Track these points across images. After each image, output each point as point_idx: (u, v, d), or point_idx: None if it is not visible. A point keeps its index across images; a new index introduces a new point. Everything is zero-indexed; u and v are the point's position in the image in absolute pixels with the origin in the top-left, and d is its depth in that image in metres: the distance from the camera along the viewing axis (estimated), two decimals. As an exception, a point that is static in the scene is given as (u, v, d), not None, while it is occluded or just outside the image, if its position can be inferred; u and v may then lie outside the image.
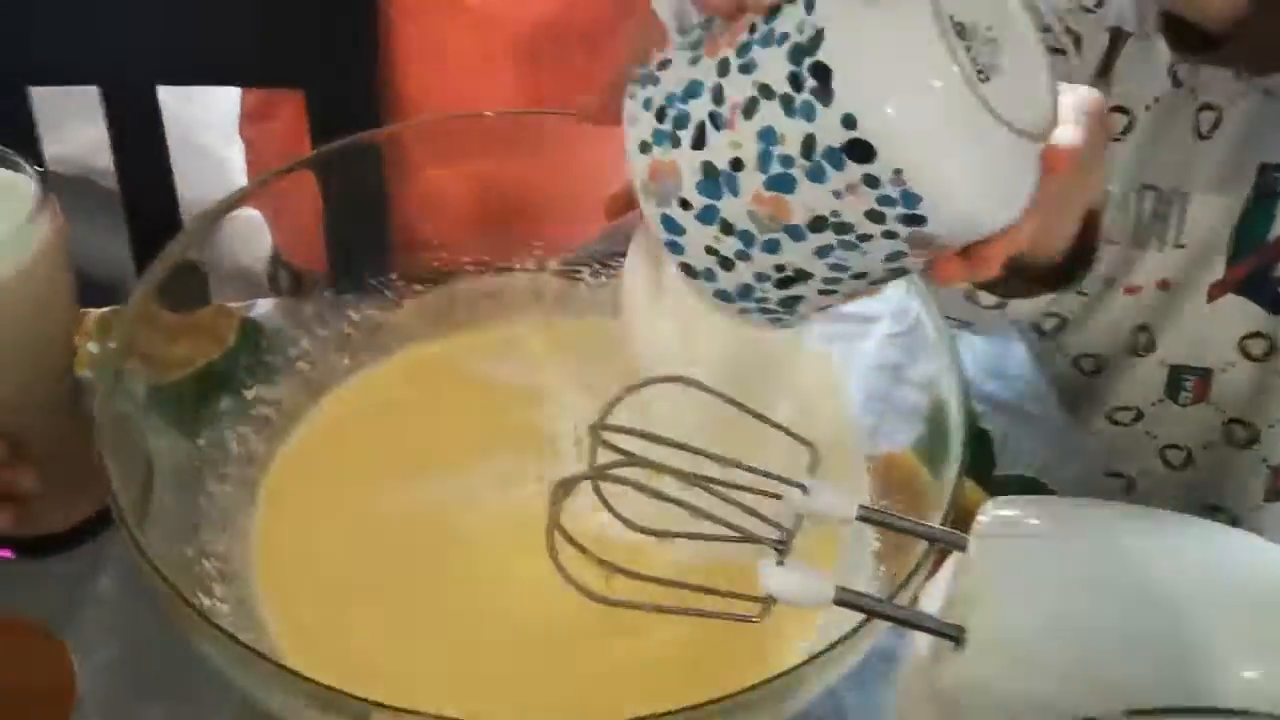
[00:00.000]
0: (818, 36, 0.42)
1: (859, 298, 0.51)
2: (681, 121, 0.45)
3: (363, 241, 0.71)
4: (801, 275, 0.47)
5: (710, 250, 0.47)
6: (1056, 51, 0.74)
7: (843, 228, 0.44)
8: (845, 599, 0.45)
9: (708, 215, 0.46)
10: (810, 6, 0.43)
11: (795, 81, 0.42)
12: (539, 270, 0.73)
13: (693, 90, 0.45)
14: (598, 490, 0.49)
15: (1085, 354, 0.82)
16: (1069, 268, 0.65)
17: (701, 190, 0.45)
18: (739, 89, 0.44)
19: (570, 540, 0.47)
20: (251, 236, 1.10)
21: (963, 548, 0.45)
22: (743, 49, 0.44)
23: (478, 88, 0.83)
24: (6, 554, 0.63)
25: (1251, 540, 0.46)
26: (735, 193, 0.45)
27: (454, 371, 0.69)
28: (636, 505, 0.51)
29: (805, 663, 0.46)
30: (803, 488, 0.48)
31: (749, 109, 0.44)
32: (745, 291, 0.48)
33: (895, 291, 0.64)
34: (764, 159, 0.44)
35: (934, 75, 0.42)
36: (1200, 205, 0.74)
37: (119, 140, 0.88)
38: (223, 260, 0.75)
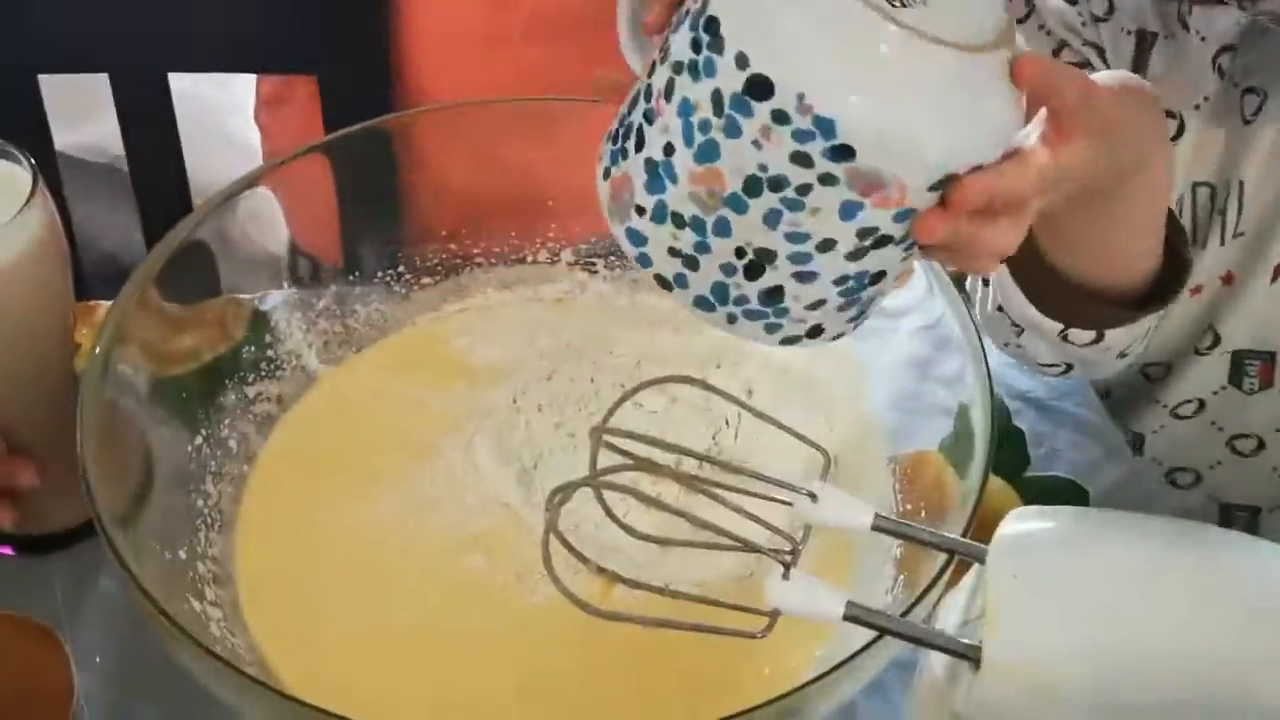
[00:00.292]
0: None
1: (862, 304, 0.48)
2: (627, 133, 0.47)
3: (374, 229, 0.70)
4: (765, 257, 0.45)
5: (673, 252, 0.46)
6: (1082, 65, 0.71)
7: (777, 183, 0.43)
8: (856, 615, 0.43)
9: (659, 213, 0.46)
10: None
11: (695, 45, 0.44)
12: (552, 262, 0.71)
13: (633, 100, 0.47)
14: (599, 496, 0.47)
15: (1153, 362, 0.79)
16: (1162, 286, 0.62)
17: (649, 189, 0.46)
18: (660, 77, 0.45)
19: (568, 547, 0.44)
20: (264, 227, 1.08)
21: (982, 560, 0.43)
22: (662, 46, 0.46)
23: (490, 73, 0.81)
24: (6, 551, 0.63)
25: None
26: (674, 179, 0.45)
27: (446, 358, 0.67)
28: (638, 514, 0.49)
29: (811, 682, 0.44)
30: (812, 496, 0.46)
31: (668, 90, 0.45)
32: (721, 292, 0.47)
33: (920, 285, 0.62)
34: (687, 133, 0.44)
35: None
36: (1255, 189, 0.71)
37: (130, 128, 0.87)
38: (235, 251, 0.74)
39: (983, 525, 0.50)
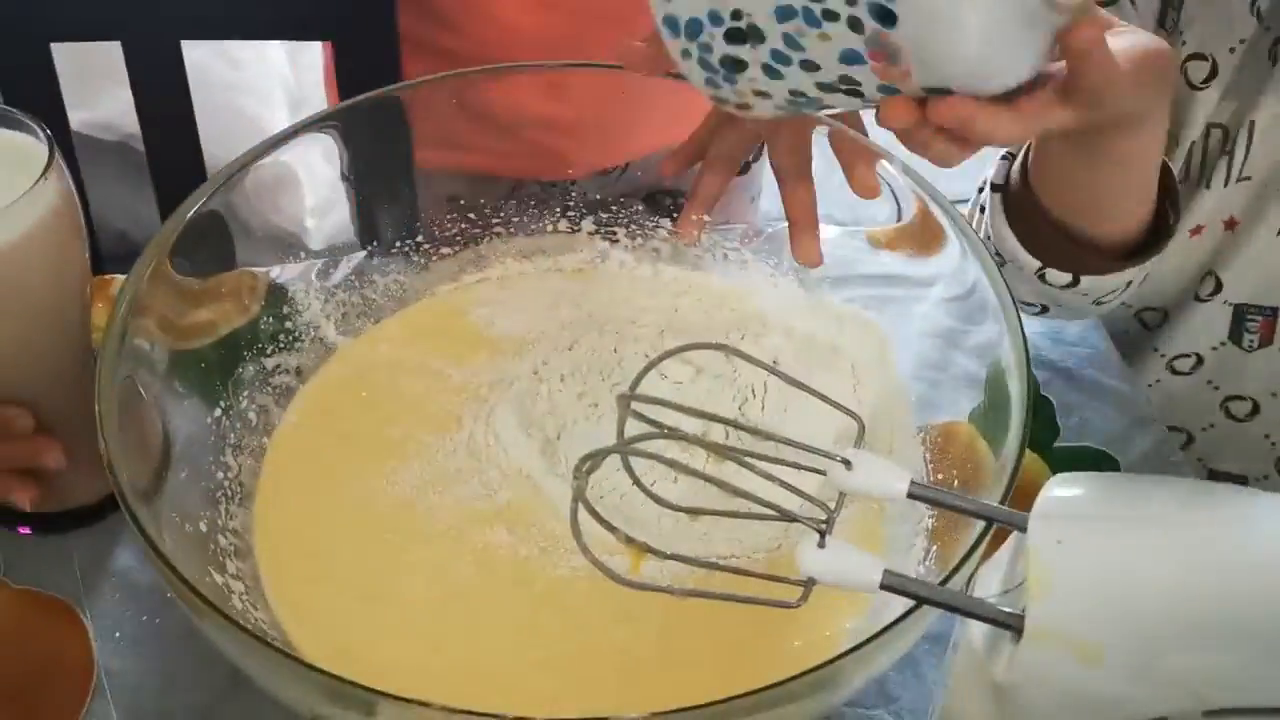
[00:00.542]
0: None
1: (797, 109, 0.49)
2: None
3: (390, 199, 0.69)
4: (754, 33, 0.46)
5: None
6: (1110, 2, 0.70)
7: None
8: (893, 583, 0.41)
9: None
10: None
11: None
12: (573, 232, 0.70)
13: None
14: (626, 464, 0.46)
15: (1149, 307, 0.78)
16: (1147, 240, 0.62)
17: None
18: None
19: (596, 516, 0.43)
20: (282, 199, 1.08)
21: (1022, 529, 0.41)
22: None
23: (505, 39, 0.79)
24: (25, 531, 0.62)
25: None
26: None
27: (466, 329, 0.66)
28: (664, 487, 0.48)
29: (847, 653, 0.43)
30: (846, 463, 0.44)
31: None
32: (693, 28, 0.47)
33: (952, 254, 0.61)
34: None
35: None
36: (1264, 134, 0.70)
37: (143, 99, 0.86)
38: (251, 223, 0.73)
39: (1015, 499, 0.49)
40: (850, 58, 0.44)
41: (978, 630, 0.43)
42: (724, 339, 0.64)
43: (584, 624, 0.53)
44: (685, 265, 0.70)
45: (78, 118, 1.04)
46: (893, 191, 0.64)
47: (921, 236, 0.64)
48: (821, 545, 0.42)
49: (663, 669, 0.51)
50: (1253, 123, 0.70)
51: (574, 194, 0.70)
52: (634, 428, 0.46)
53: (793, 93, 0.48)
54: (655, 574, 0.51)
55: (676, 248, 0.70)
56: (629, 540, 0.44)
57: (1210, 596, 0.38)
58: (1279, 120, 0.70)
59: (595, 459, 0.45)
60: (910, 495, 0.45)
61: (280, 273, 0.66)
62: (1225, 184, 0.72)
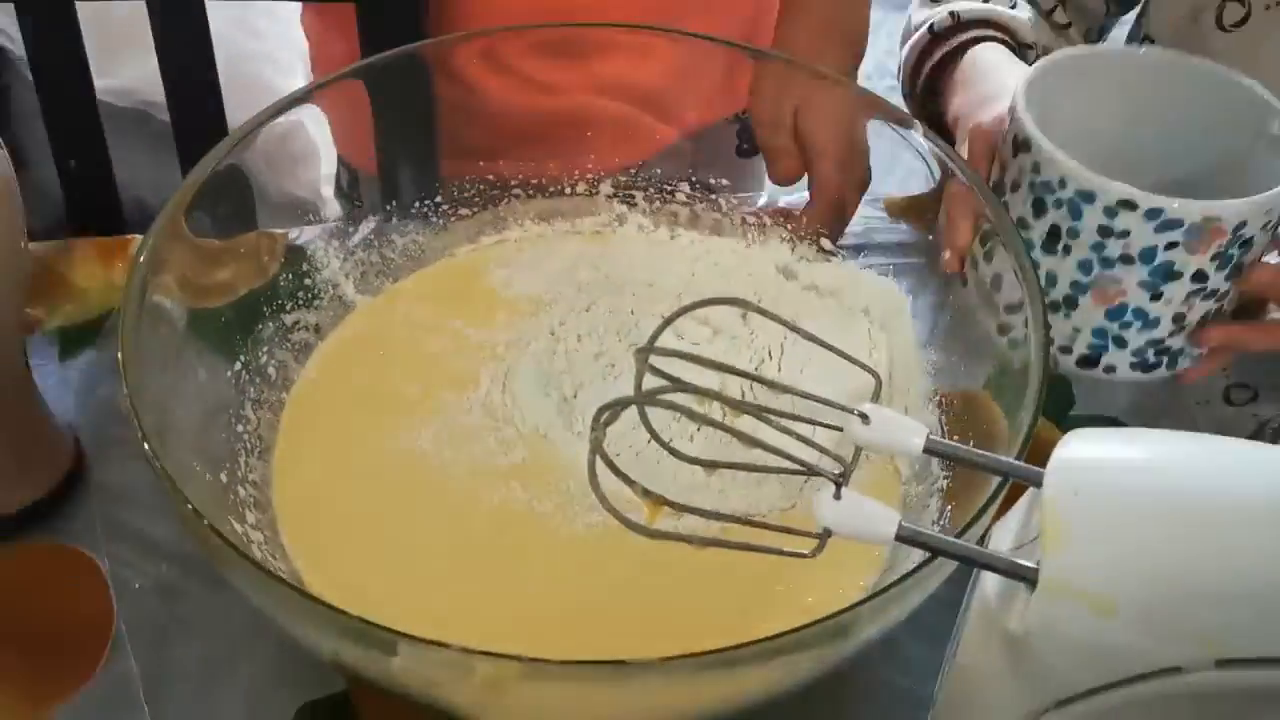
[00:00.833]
0: None
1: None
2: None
3: (410, 158, 0.69)
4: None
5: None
6: None
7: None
8: (908, 535, 0.42)
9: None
10: None
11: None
12: (591, 194, 0.70)
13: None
14: (644, 417, 0.46)
15: None
16: None
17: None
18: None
19: (613, 469, 0.44)
20: (302, 162, 1.08)
21: (1038, 483, 0.42)
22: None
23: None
24: None
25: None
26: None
27: (484, 289, 0.67)
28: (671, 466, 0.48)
29: (858, 604, 0.43)
30: (864, 417, 0.45)
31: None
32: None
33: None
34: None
35: None
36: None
37: (167, 61, 0.85)
38: (269, 190, 0.73)
39: (1029, 461, 0.49)
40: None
41: (991, 585, 0.43)
42: (741, 302, 0.64)
43: (599, 578, 0.54)
44: (703, 230, 0.70)
45: (98, 84, 1.05)
46: (924, 160, 0.64)
47: (940, 205, 0.64)
48: (837, 497, 0.43)
49: (677, 622, 0.51)
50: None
51: (593, 157, 0.70)
52: (651, 384, 0.46)
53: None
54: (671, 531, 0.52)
55: (694, 212, 0.70)
56: (646, 493, 0.44)
57: (1225, 548, 0.38)
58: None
59: (613, 409, 0.45)
60: (926, 450, 0.45)
61: (299, 234, 0.67)
62: None
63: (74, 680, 0.56)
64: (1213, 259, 0.57)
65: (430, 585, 0.54)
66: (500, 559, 0.55)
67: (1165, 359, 0.61)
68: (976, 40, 0.74)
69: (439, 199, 0.69)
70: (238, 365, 0.60)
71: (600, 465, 0.43)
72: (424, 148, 0.69)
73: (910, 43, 0.78)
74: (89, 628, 0.57)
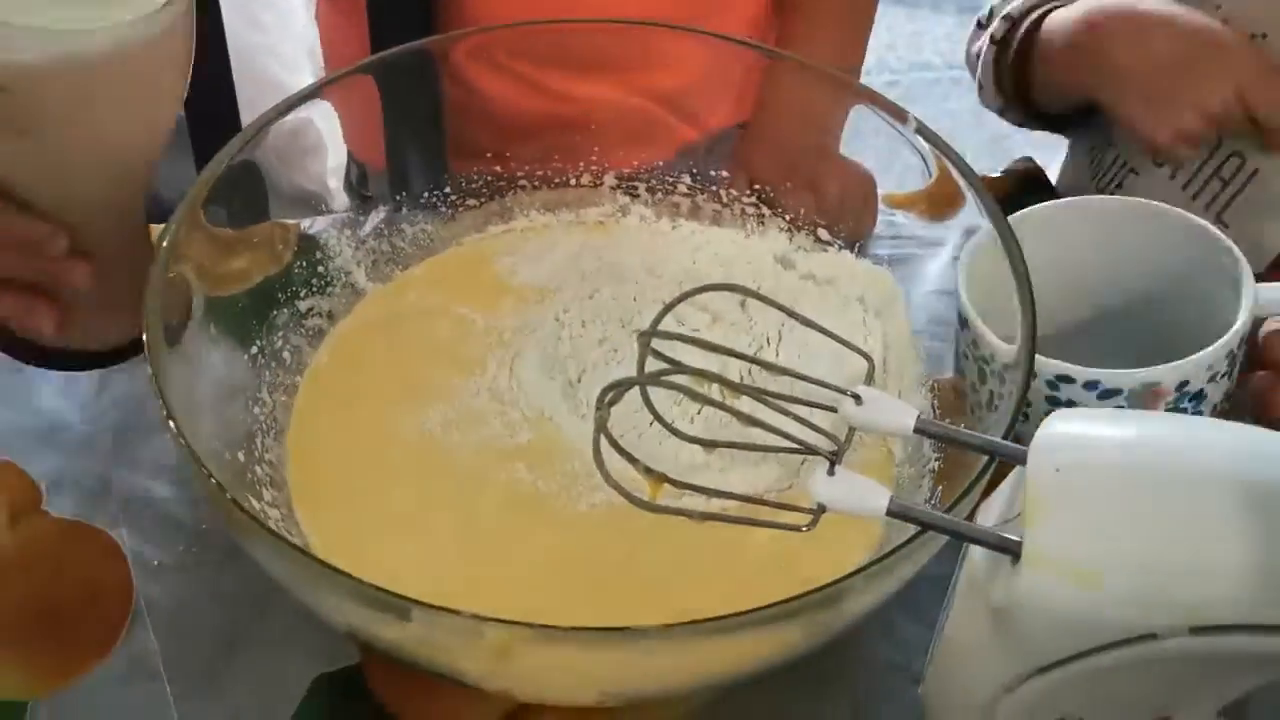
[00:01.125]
0: None
1: None
2: None
3: (419, 151, 0.71)
4: None
5: None
6: None
7: None
8: (898, 510, 0.44)
9: None
10: None
11: None
12: (595, 185, 0.72)
13: None
14: (646, 397, 0.48)
15: None
16: None
17: None
18: None
19: (617, 447, 0.46)
20: (311, 155, 1.10)
21: (1022, 461, 0.44)
22: None
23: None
24: (41, 366, 0.61)
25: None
26: None
27: (491, 277, 0.68)
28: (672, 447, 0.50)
29: (849, 576, 0.45)
30: (857, 398, 0.47)
31: None
32: None
33: (965, 212, 0.62)
34: None
35: None
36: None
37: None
38: (280, 185, 0.75)
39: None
40: None
41: (978, 559, 0.45)
42: (741, 292, 0.66)
43: (602, 555, 0.55)
44: (703, 220, 0.72)
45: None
46: (921, 156, 0.65)
47: (939, 198, 0.65)
48: (831, 474, 0.45)
49: (677, 596, 0.53)
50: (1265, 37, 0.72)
51: (597, 150, 0.72)
52: (653, 368, 0.48)
53: None
54: (671, 516, 0.53)
55: (696, 203, 0.72)
56: (648, 471, 0.46)
57: (1199, 521, 0.40)
58: None
59: (617, 390, 0.47)
60: (917, 430, 0.47)
61: (312, 224, 0.69)
62: None
63: (95, 652, 0.58)
64: (1165, 410, 0.57)
65: (439, 561, 0.55)
66: (507, 536, 0.57)
67: None
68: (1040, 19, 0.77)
69: (447, 190, 0.71)
70: (254, 350, 0.62)
71: (604, 444, 0.45)
72: (433, 142, 0.71)
73: (982, 63, 0.82)
74: (109, 603, 0.59)
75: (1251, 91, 0.68)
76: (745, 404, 0.48)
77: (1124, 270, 0.65)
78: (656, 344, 0.49)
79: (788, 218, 0.71)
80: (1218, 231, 0.61)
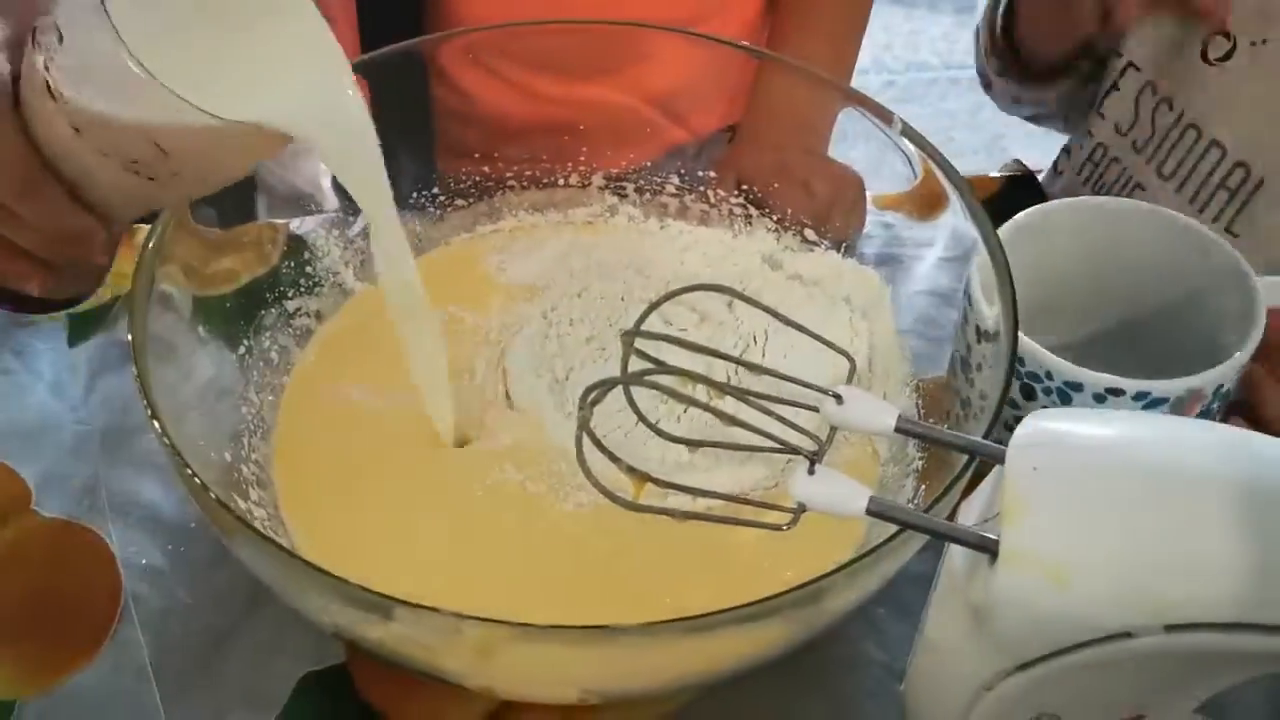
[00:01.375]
0: None
1: None
2: None
3: (408, 152, 0.71)
4: None
5: None
6: None
7: None
8: (878, 509, 0.44)
9: None
10: None
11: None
12: (583, 186, 0.72)
13: None
14: (629, 397, 0.48)
15: None
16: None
17: None
18: None
19: (600, 447, 0.46)
20: (301, 155, 1.10)
21: (1001, 459, 0.44)
22: None
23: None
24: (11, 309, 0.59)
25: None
26: None
27: (479, 276, 0.69)
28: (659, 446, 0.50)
29: (830, 574, 0.45)
30: (838, 398, 0.47)
31: None
32: None
33: (951, 216, 0.63)
34: None
35: None
36: None
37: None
38: (270, 184, 0.75)
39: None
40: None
41: (958, 559, 0.45)
42: (727, 289, 0.66)
43: (587, 556, 0.56)
44: (692, 220, 0.72)
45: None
46: (906, 158, 0.66)
47: (925, 199, 0.66)
48: (811, 474, 0.45)
49: (664, 595, 0.53)
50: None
51: (585, 150, 0.72)
52: (637, 366, 0.49)
53: None
54: (655, 515, 0.54)
55: (684, 203, 0.73)
56: (630, 470, 0.46)
57: (1175, 521, 0.40)
58: None
59: (600, 389, 0.47)
60: (898, 429, 0.47)
61: (300, 224, 0.69)
62: None
63: (83, 651, 0.58)
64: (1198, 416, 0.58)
65: (423, 561, 0.56)
66: (493, 536, 0.57)
67: None
68: None
69: (436, 190, 0.71)
70: (242, 350, 0.62)
71: (588, 444, 0.46)
72: (422, 143, 0.71)
73: (982, 41, 0.85)
74: (98, 602, 0.60)
75: None
76: (729, 404, 0.48)
77: (1114, 272, 0.65)
78: (640, 344, 0.49)
79: (775, 218, 0.71)
80: (1212, 233, 0.61)
